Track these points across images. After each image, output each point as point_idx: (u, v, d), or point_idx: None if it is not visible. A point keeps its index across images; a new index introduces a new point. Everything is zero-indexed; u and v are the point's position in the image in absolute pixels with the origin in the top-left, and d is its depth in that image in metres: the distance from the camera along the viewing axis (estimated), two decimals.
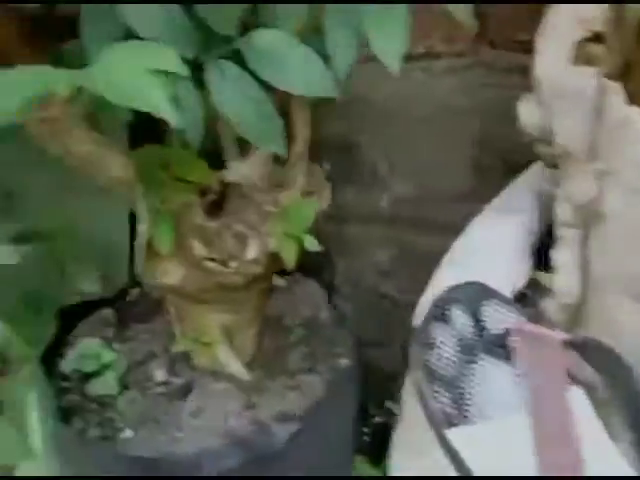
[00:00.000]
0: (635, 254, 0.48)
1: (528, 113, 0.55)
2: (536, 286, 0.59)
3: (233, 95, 0.44)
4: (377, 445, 0.78)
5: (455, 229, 0.68)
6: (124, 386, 0.66)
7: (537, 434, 0.46)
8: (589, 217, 0.50)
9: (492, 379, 0.49)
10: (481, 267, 0.60)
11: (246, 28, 0.46)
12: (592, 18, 0.51)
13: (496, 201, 0.68)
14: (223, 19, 0.43)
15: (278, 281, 0.76)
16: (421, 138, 0.82)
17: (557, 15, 0.53)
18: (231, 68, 0.45)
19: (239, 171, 0.59)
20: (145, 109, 0.35)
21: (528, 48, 0.59)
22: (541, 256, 0.60)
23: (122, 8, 0.43)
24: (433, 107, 0.79)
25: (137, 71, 0.36)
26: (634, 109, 0.46)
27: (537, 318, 0.54)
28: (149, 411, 0.65)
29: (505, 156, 0.79)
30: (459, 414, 0.48)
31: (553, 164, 0.57)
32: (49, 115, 0.42)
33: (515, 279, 0.59)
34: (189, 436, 0.62)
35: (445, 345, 0.52)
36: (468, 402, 0.49)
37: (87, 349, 0.63)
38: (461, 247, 0.64)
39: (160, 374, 0.70)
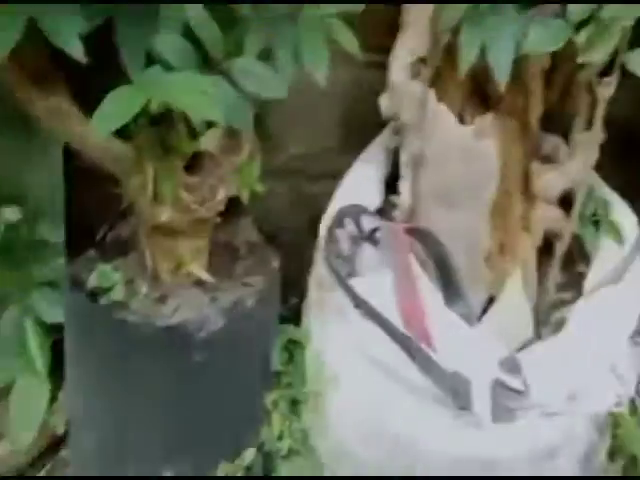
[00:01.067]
0: (440, 180, 0.90)
1: (385, 104, 0.93)
2: (389, 203, 1.00)
3: (219, 98, 0.74)
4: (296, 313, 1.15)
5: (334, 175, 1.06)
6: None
7: (395, 284, 0.86)
8: (416, 161, 0.90)
9: (369, 254, 0.89)
10: (358, 197, 0.98)
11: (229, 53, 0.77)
12: (418, 48, 0.89)
13: (363, 155, 1.07)
14: (216, 46, 0.73)
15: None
16: (309, 115, 1.17)
17: (400, 44, 0.91)
18: (220, 81, 0.75)
19: (207, 142, 0.90)
20: (207, 117, 0.66)
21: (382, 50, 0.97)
22: (390, 185, 1.01)
23: (155, 39, 0.71)
24: (317, 93, 1.14)
25: (195, 93, 0.66)
26: (440, 105, 0.87)
27: (391, 221, 0.95)
28: (142, 310, 0.95)
29: (367, 123, 1.17)
30: (353, 274, 0.87)
31: (398, 132, 0.97)
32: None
33: (377, 201, 0.99)
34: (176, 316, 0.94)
35: (342, 239, 0.90)
36: (357, 267, 0.88)
37: (103, 272, 0.91)
38: (344, 186, 1.03)
39: (144, 288, 1.00)
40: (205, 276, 0.99)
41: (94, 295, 0.92)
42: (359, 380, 0.88)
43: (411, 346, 0.80)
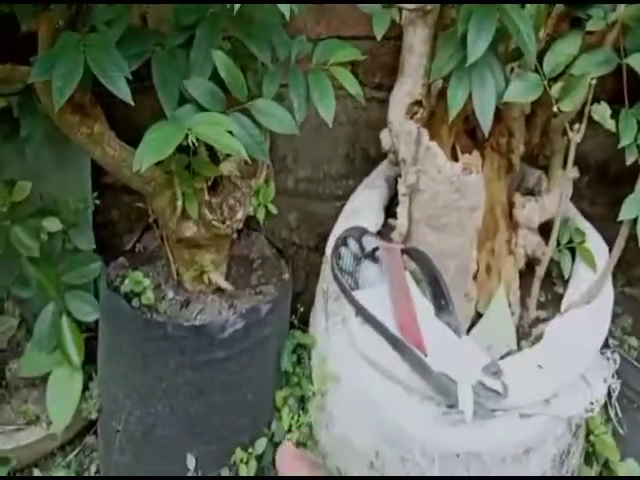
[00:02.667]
0: (433, 208, 1.02)
1: (385, 140, 1.06)
2: (388, 226, 1.12)
3: (241, 132, 0.87)
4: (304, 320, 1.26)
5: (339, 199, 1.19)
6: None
7: (392, 297, 0.98)
8: (412, 190, 1.03)
9: (369, 270, 1.01)
10: (361, 219, 1.11)
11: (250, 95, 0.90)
12: (414, 92, 1.03)
13: (366, 181, 1.20)
14: (239, 89, 0.87)
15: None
16: (314, 140, 1.30)
17: (398, 87, 1.05)
18: (242, 118, 0.88)
19: (227, 167, 1.03)
20: (230, 152, 0.79)
21: (381, 87, 1.12)
22: (389, 211, 1.14)
23: (186, 83, 0.85)
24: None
25: (222, 131, 0.79)
26: (433, 142, 0.99)
27: (389, 241, 1.07)
28: (169, 312, 1.07)
29: (367, 152, 1.31)
30: (355, 286, 0.99)
31: (396, 163, 1.10)
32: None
33: (377, 224, 1.12)
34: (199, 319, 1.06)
35: (346, 257, 1.02)
36: (359, 283, 1.00)
37: (135, 278, 1.04)
38: (349, 209, 1.15)
39: (170, 293, 1.12)
40: (224, 284, 1.11)
41: (127, 298, 1.05)
42: (358, 380, 0.99)
43: (405, 350, 0.92)
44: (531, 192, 1.14)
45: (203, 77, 0.87)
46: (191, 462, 1.04)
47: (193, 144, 0.90)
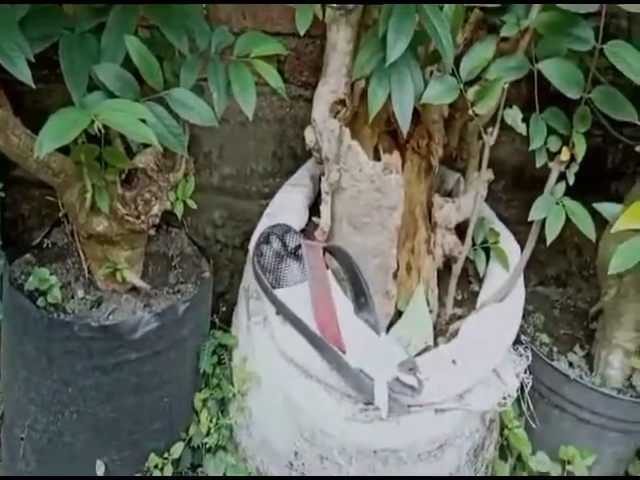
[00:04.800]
0: (354, 206, 1.02)
1: (309, 137, 1.05)
2: (312, 224, 1.12)
3: (156, 122, 0.83)
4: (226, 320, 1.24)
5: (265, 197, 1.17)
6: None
7: (312, 295, 0.97)
8: (335, 189, 1.03)
9: (291, 268, 1.00)
10: (285, 217, 1.10)
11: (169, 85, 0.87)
12: (338, 91, 1.03)
13: (291, 179, 1.19)
14: (154, 78, 0.83)
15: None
16: (240, 137, 1.28)
17: (322, 85, 1.04)
18: (157, 107, 0.84)
19: (142, 160, 0.99)
20: (143, 140, 0.75)
21: (307, 85, 1.11)
22: (314, 210, 1.13)
23: (96, 69, 0.80)
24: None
25: (134, 119, 0.76)
26: (354, 141, 1.00)
27: (313, 239, 1.06)
28: (78, 311, 1.02)
29: (294, 150, 1.30)
30: (277, 285, 0.97)
31: (320, 161, 1.10)
32: None
33: (301, 222, 1.11)
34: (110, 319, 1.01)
35: (268, 254, 1.00)
36: (281, 281, 0.98)
37: (41, 275, 0.97)
38: (273, 206, 1.14)
39: (80, 292, 1.06)
40: (140, 283, 1.06)
41: (32, 297, 0.98)
42: (278, 379, 0.98)
43: (324, 348, 0.91)
44: (450, 194, 1.17)
45: (114, 63, 0.83)
46: (100, 469, 0.99)
47: (106, 134, 0.86)
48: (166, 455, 1.03)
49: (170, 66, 0.91)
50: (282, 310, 0.96)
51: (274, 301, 0.96)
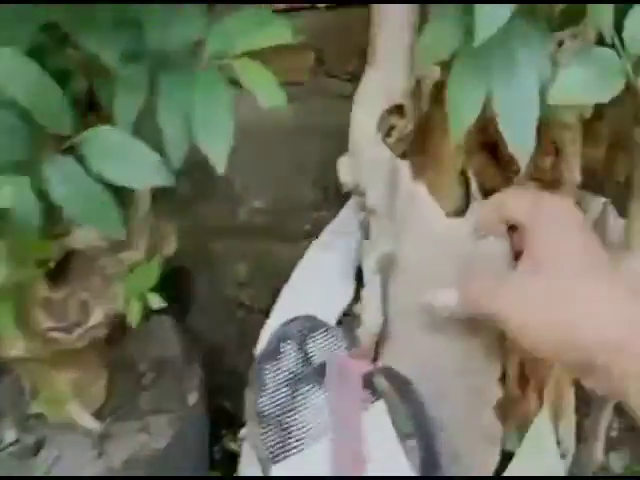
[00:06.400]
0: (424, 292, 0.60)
1: (344, 171, 0.62)
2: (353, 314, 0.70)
3: (68, 190, 0.46)
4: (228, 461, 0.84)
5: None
6: None
7: (334, 458, 0.54)
8: (388, 265, 0.61)
9: (308, 409, 0.57)
10: (313, 294, 0.68)
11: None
12: (395, 90, 0.59)
13: (332, 225, 0.75)
14: (57, 120, 0.45)
15: None
16: (270, 157, 0.88)
17: (366, 84, 0.61)
18: (67, 164, 0.47)
19: (80, 238, 0.60)
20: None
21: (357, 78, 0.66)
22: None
23: None
24: (283, 130, 0.84)
25: None
26: (418, 185, 0.57)
27: (355, 343, 0.64)
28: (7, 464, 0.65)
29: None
30: (287, 448, 0.55)
31: (364, 209, 0.67)
32: None
33: (342, 302, 0.68)
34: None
35: (275, 384, 0.59)
36: (297, 432, 0.56)
37: None
38: (300, 273, 0.71)
39: (10, 434, 0.70)
40: (89, 422, 0.69)
41: None
42: None
43: None
44: (594, 226, 0.70)
45: None
46: None
47: None
48: None
49: (102, 88, 0.53)
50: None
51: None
